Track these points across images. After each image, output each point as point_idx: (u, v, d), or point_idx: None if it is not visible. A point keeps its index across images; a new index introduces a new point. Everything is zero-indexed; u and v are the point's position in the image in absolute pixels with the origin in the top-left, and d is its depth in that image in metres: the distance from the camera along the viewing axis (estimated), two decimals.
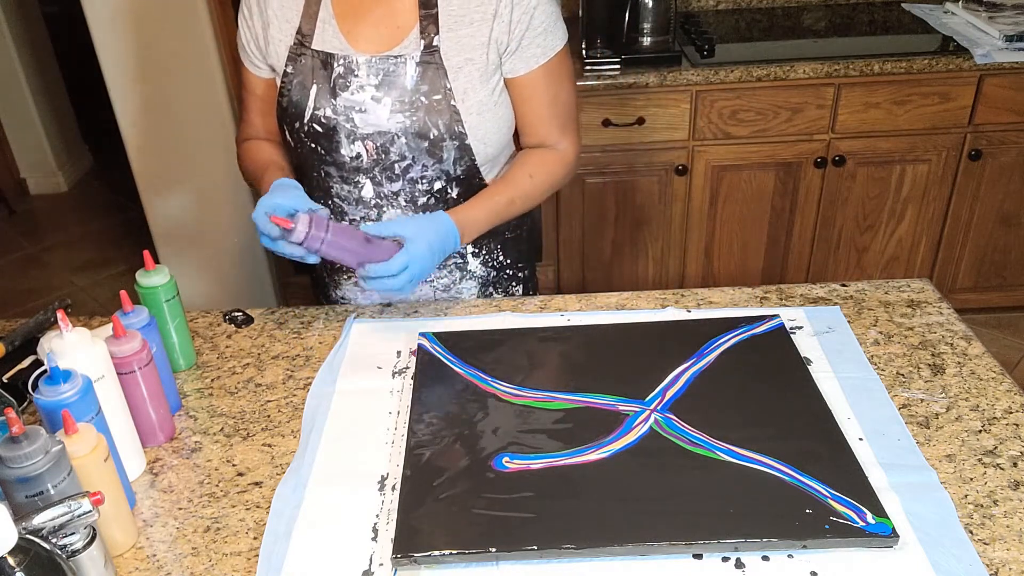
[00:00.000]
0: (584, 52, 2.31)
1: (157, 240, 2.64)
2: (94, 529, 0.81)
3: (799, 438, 0.98)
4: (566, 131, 1.29)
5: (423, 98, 1.18)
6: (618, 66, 2.27)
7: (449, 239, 1.17)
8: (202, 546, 0.91)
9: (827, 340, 1.16)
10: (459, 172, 1.24)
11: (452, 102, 1.18)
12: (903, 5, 2.64)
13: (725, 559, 0.86)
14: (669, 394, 1.05)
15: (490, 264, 1.36)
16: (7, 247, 3.58)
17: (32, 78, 3.70)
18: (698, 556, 0.86)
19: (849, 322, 1.19)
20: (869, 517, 0.87)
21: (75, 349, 0.93)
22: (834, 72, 2.22)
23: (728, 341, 1.14)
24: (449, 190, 1.25)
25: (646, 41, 2.39)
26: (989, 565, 0.83)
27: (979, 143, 2.35)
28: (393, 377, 1.14)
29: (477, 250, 1.34)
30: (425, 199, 1.25)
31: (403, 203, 1.25)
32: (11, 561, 0.65)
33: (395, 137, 1.20)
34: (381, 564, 0.87)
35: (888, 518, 0.87)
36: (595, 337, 1.18)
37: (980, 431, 1.00)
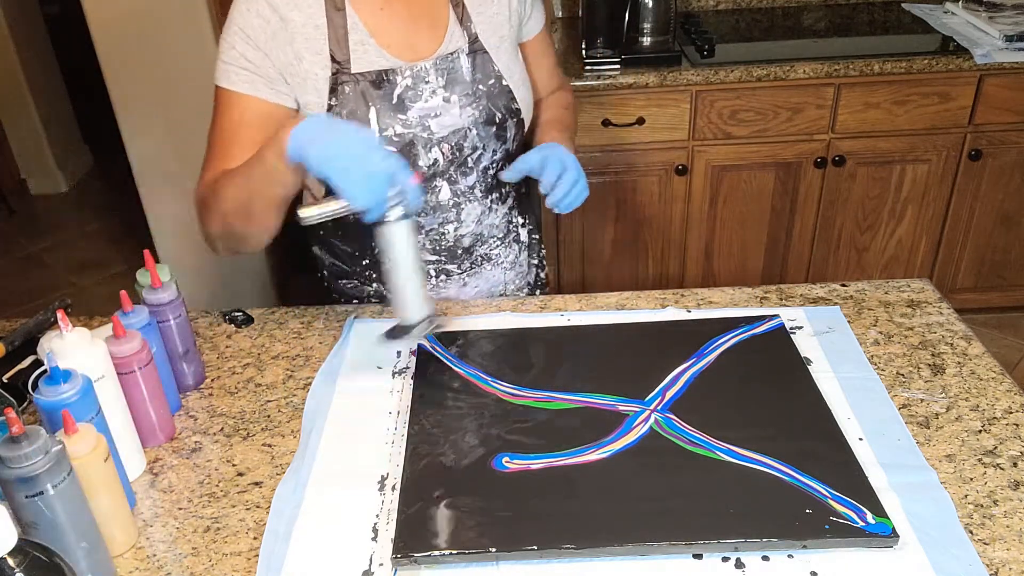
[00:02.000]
0: (584, 52, 2.31)
1: (157, 240, 2.64)
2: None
3: (799, 438, 0.98)
4: (563, 78, 1.47)
5: (481, 86, 1.23)
6: (618, 66, 2.27)
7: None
8: (202, 546, 0.91)
9: (827, 340, 1.16)
10: (514, 148, 1.30)
11: (504, 82, 1.24)
12: (903, 5, 2.64)
13: (725, 559, 0.86)
14: (669, 394, 1.05)
15: (529, 230, 1.43)
16: (7, 247, 3.58)
17: (32, 78, 3.70)
18: (698, 556, 0.86)
19: (849, 322, 1.19)
20: (869, 517, 0.87)
21: (75, 349, 0.93)
22: (834, 72, 2.22)
23: (728, 341, 1.14)
24: (506, 167, 1.29)
25: (646, 41, 2.39)
26: (989, 565, 0.83)
27: (979, 143, 2.35)
28: (393, 377, 1.14)
29: (525, 220, 1.41)
30: (492, 182, 1.30)
31: (479, 195, 1.28)
32: (11, 562, 0.65)
33: (468, 131, 1.23)
34: (381, 564, 0.87)
35: (888, 518, 0.87)
36: (595, 337, 1.18)
37: (980, 431, 1.00)
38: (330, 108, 1.16)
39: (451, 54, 1.21)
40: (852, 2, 2.69)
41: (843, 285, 1.28)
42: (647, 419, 1.01)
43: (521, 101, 1.27)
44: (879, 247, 2.51)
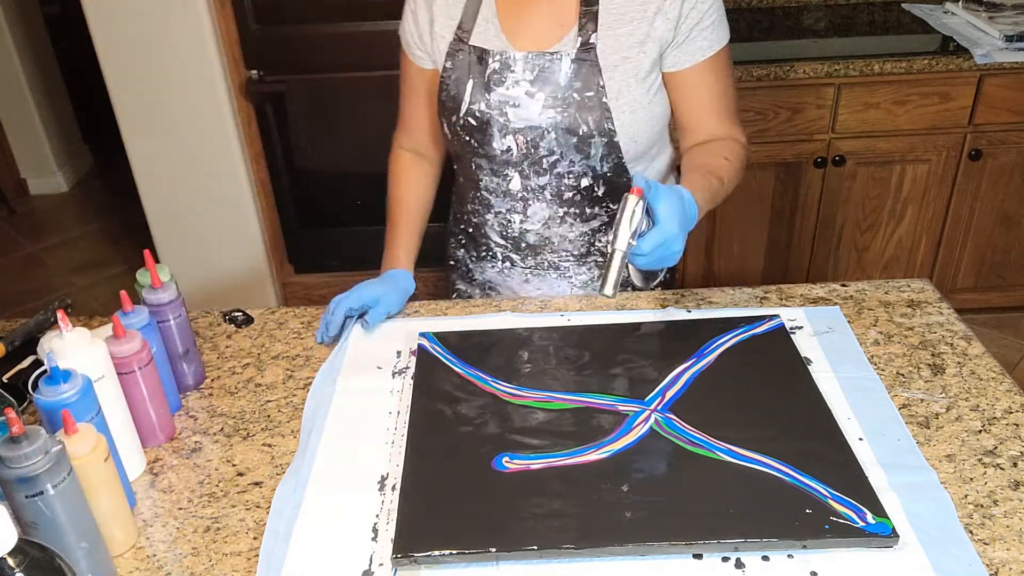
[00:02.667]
0: None
1: (157, 240, 2.64)
2: None
3: (799, 438, 0.98)
4: (735, 122, 1.29)
5: (575, 95, 1.20)
6: None
7: (691, 211, 1.11)
8: (202, 546, 0.91)
9: (827, 340, 1.16)
10: (606, 169, 1.25)
11: (604, 99, 1.19)
12: (903, 5, 2.64)
13: (725, 559, 0.86)
14: (669, 394, 1.05)
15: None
16: (7, 247, 3.58)
17: (32, 78, 3.70)
18: (698, 556, 0.86)
19: (849, 322, 1.19)
20: (869, 517, 0.87)
21: (75, 349, 0.93)
22: (834, 72, 2.22)
23: (728, 341, 1.14)
24: (596, 188, 1.27)
25: None
26: (989, 565, 0.83)
27: (979, 143, 2.35)
28: (393, 377, 1.14)
29: None
30: (571, 194, 1.27)
31: (549, 197, 1.27)
32: (11, 562, 0.65)
33: (545, 132, 1.22)
34: (381, 564, 0.87)
35: (888, 518, 0.87)
36: (595, 337, 1.18)
37: (980, 431, 1.00)
38: (445, 70, 1.24)
39: (552, 54, 1.20)
40: (852, 2, 2.69)
41: (843, 285, 1.28)
42: (647, 419, 1.01)
43: (621, 125, 1.21)
44: (879, 247, 2.51)
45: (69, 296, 1.37)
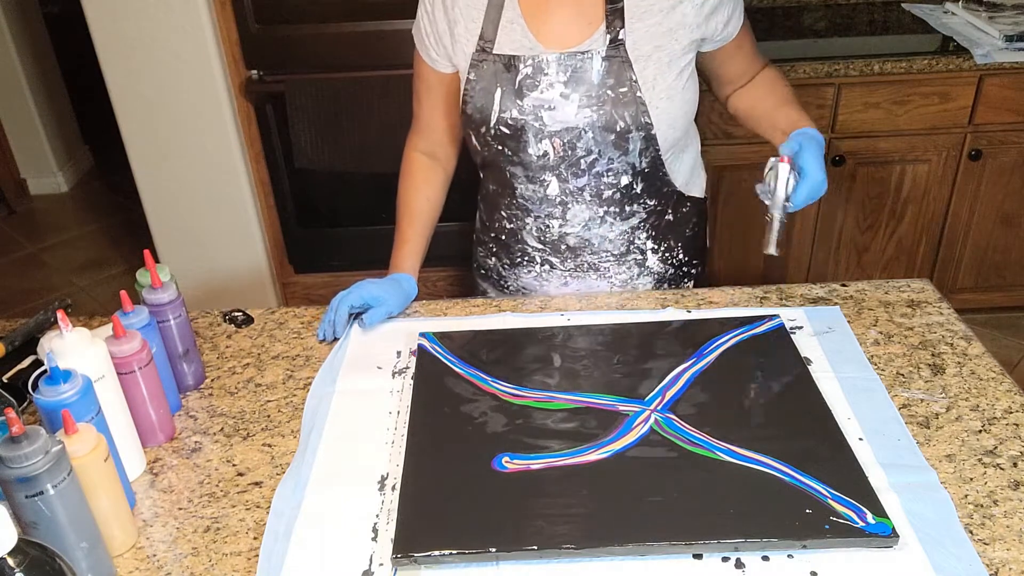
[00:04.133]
0: None
1: (157, 240, 2.64)
2: None
3: (799, 438, 0.98)
4: (760, 56, 1.39)
5: (609, 91, 1.19)
6: None
7: (821, 144, 1.20)
8: (202, 546, 0.91)
9: (827, 340, 1.16)
10: (644, 165, 1.25)
11: (638, 93, 1.19)
12: (903, 5, 2.64)
13: (725, 559, 0.86)
14: (669, 394, 1.05)
15: (668, 261, 1.38)
16: (7, 247, 3.58)
17: (32, 78, 3.70)
18: (698, 556, 0.86)
19: (849, 322, 1.19)
20: (869, 517, 0.87)
21: (75, 349, 0.93)
22: (834, 72, 2.22)
23: (728, 341, 1.14)
24: (634, 185, 1.27)
25: None
26: (989, 565, 0.83)
27: (979, 143, 2.35)
28: (393, 377, 1.14)
29: (657, 246, 1.35)
30: (610, 192, 1.27)
31: (588, 198, 1.27)
32: (11, 562, 0.65)
33: (582, 132, 1.21)
34: (381, 564, 0.87)
35: (888, 518, 0.87)
36: (595, 337, 1.18)
37: (980, 431, 1.00)
38: (469, 82, 1.24)
39: (583, 53, 1.19)
40: (852, 2, 2.69)
41: (843, 285, 1.28)
42: (647, 419, 1.01)
43: (658, 115, 1.21)
44: (879, 247, 2.51)
45: (69, 296, 1.37)
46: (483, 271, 1.46)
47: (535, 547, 0.86)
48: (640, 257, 1.35)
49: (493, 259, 1.42)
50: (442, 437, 1.01)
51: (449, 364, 1.13)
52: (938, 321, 1.19)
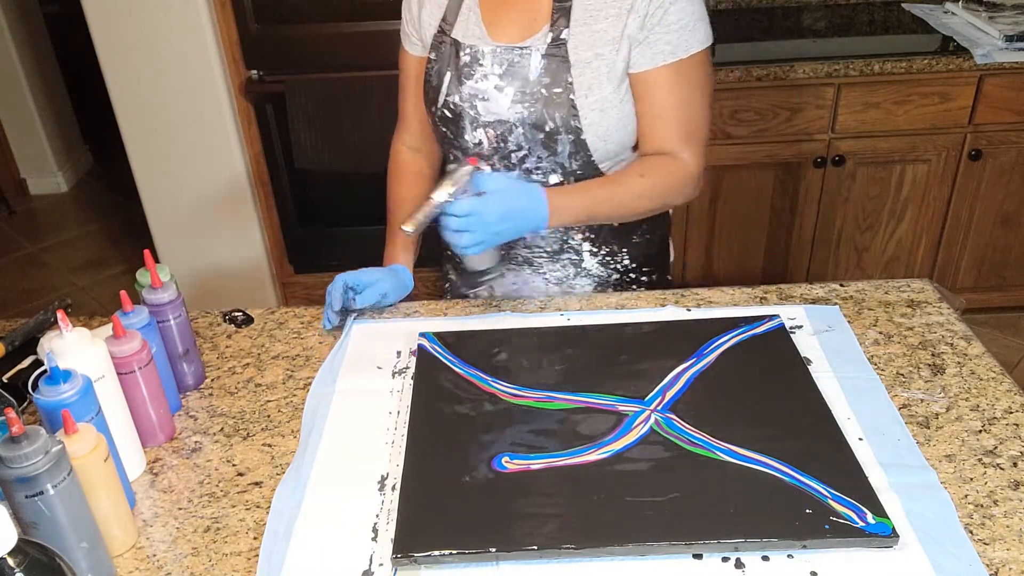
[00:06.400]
0: None
1: (157, 240, 2.64)
2: None
3: (799, 438, 0.98)
4: (689, 142, 1.22)
5: (544, 90, 1.19)
6: None
7: (532, 211, 1.14)
8: (202, 546, 0.91)
9: (827, 340, 1.16)
10: (575, 167, 1.24)
11: (571, 96, 1.18)
12: (903, 5, 2.64)
13: (725, 559, 0.86)
14: (669, 394, 1.05)
15: (610, 265, 1.35)
16: (7, 247, 3.58)
17: (32, 78, 3.70)
18: (698, 556, 0.86)
19: (849, 322, 1.19)
20: (869, 517, 0.87)
21: (75, 349, 0.93)
22: (834, 72, 2.22)
23: (728, 341, 1.14)
24: (566, 183, 1.26)
25: None
26: (989, 565, 0.83)
27: (979, 143, 2.35)
28: (393, 377, 1.14)
29: (596, 249, 1.33)
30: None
31: None
32: (11, 562, 0.65)
33: (513, 127, 1.22)
34: (381, 564, 0.87)
35: (888, 518, 0.87)
36: (595, 337, 1.18)
37: (980, 431, 1.00)
38: (430, 61, 1.27)
39: (522, 48, 1.20)
40: (852, 2, 2.69)
41: (843, 285, 1.28)
42: (647, 419, 1.01)
43: (589, 124, 1.19)
44: (879, 247, 2.51)
45: (69, 296, 1.37)
46: (448, 252, 1.46)
47: (535, 547, 0.86)
48: (576, 257, 1.34)
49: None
50: (442, 437, 1.01)
51: (449, 364, 1.13)
52: (938, 321, 1.19)
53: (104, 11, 2.28)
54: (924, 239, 2.50)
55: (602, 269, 1.35)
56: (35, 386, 0.89)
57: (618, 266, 1.36)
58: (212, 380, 1.16)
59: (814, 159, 2.35)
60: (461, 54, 1.23)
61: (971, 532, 0.87)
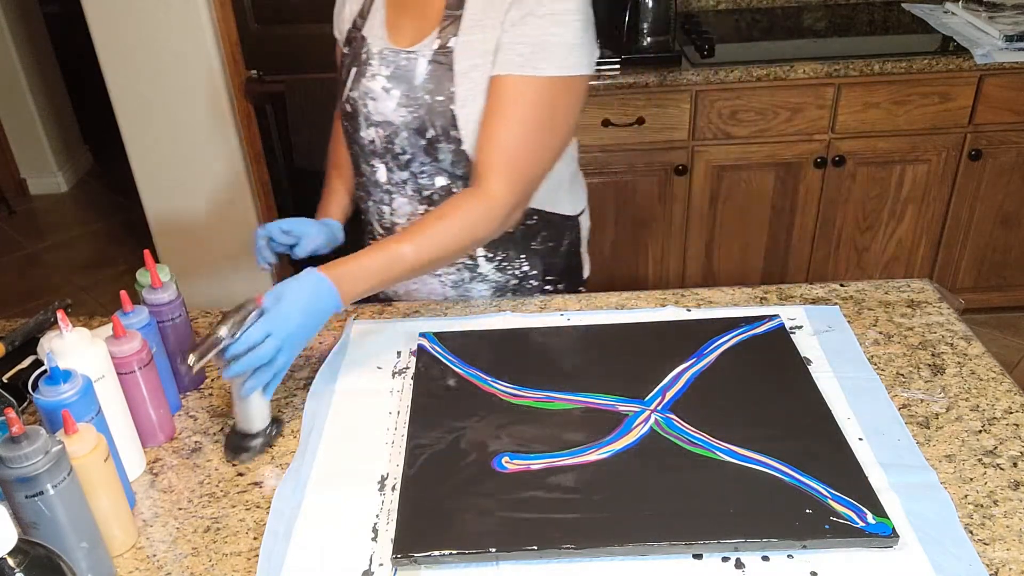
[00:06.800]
0: None
1: (157, 240, 2.64)
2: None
3: (799, 438, 0.98)
4: (506, 171, 1.13)
5: (427, 96, 1.18)
6: (618, 66, 2.27)
7: (322, 297, 1.03)
8: (202, 546, 0.91)
9: (827, 340, 1.16)
10: (461, 173, 1.22)
11: (452, 106, 1.16)
12: (903, 5, 2.64)
13: (725, 559, 0.86)
14: (669, 394, 1.05)
15: (509, 271, 1.33)
16: (7, 247, 3.58)
17: (32, 78, 3.70)
18: (698, 556, 0.86)
19: (849, 322, 1.19)
20: (869, 517, 0.87)
21: (75, 349, 0.93)
22: (834, 72, 2.22)
23: (728, 341, 1.14)
24: (454, 187, 1.24)
25: (646, 41, 2.39)
26: (989, 565, 0.83)
27: (979, 143, 2.35)
28: (393, 377, 1.14)
29: (491, 255, 1.31)
30: (429, 193, 1.25)
31: (410, 192, 1.26)
32: (11, 562, 0.65)
33: (399, 130, 1.21)
34: (381, 564, 0.87)
35: (888, 518, 0.87)
36: (595, 337, 1.18)
37: (980, 431, 1.00)
38: (343, 56, 1.28)
39: (410, 52, 1.19)
40: (852, 2, 2.69)
41: (843, 285, 1.28)
42: (647, 419, 1.01)
43: (468, 135, 1.16)
44: (879, 247, 2.51)
45: (69, 296, 1.37)
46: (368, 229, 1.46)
47: (535, 547, 0.86)
48: (471, 262, 1.30)
49: (369, 239, 1.39)
50: (442, 437, 1.01)
51: (449, 364, 1.13)
52: (938, 321, 1.19)
53: (104, 11, 2.28)
54: (924, 239, 2.49)
55: (499, 274, 1.32)
56: (35, 386, 0.89)
57: (516, 272, 1.32)
58: (212, 380, 1.16)
59: (814, 159, 2.35)
60: (362, 52, 1.24)
61: (971, 532, 0.87)
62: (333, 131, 1.42)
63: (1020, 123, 2.33)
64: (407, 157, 1.23)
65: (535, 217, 1.30)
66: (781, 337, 1.15)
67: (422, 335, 1.18)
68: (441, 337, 1.18)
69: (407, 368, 1.15)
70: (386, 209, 1.30)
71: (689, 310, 1.24)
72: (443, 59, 1.16)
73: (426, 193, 1.25)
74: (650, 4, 2.35)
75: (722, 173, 2.39)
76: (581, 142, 2.34)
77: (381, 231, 1.34)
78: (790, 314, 1.21)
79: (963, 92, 2.28)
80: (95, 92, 2.72)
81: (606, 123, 2.29)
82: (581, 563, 0.86)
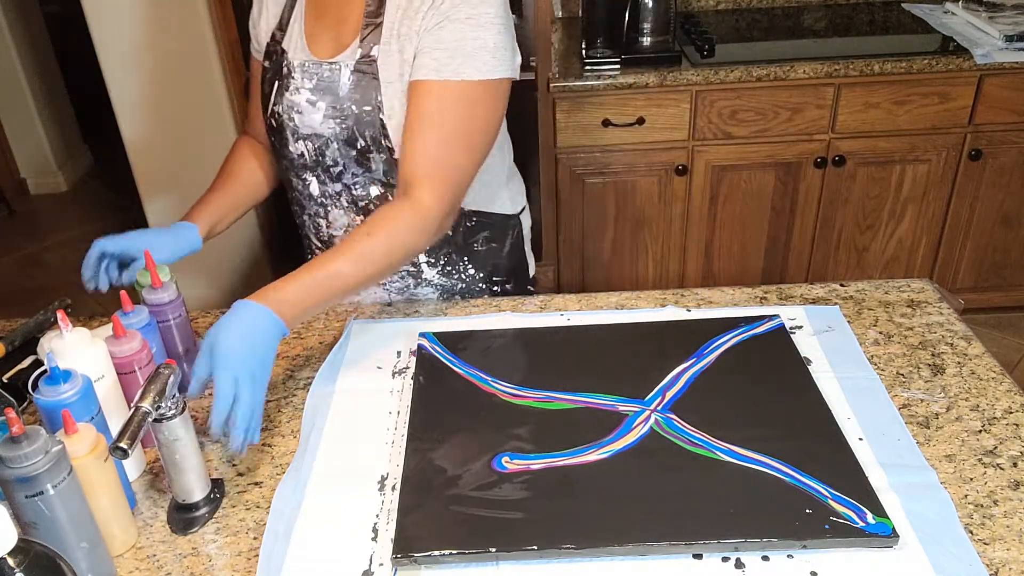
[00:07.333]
0: (584, 52, 2.30)
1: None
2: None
3: (799, 438, 0.98)
4: (432, 179, 1.10)
5: (354, 107, 1.15)
6: (618, 66, 2.27)
7: (259, 324, 0.97)
8: (202, 546, 0.91)
9: (827, 340, 1.16)
10: (394, 181, 1.19)
11: (380, 115, 1.14)
12: (903, 5, 2.64)
13: (725, 559, 0.86)
14: (669, 394, 1.05)
15: (454, 276, 1.32)
16: (7, 247, 3.58)
17: (32, 78, 3.70)
18: (698, 556, 0.86)
19: (849, 322, 1.19)
20: (869, 517, 0.87)
21: (75, 349, 0.93)
22: (834, 72, 2.22)
23: (728, 341, 1.14)
24: (389, 195, 1.22)
25: (646, 41, 2.39)
26: (989, 565, 0.83)
27: (979, 143, 2.35)
28: (393, 377, 1.14)
29: (433, 260, 1.30)
30: (364, 203, 1.24)
31: (345, 203, 1.25)
32: (11, 561, 0.65)
33: (328, 141, 1.19)
34: (381, 564, 0.87)
35: (888, 518, 0.87)
36: (595, 337, 1.18)
37: (980, 431, 1.00)
38: (264, 69, 1.25)
39: (332, 63, 1.16)
40: (852, 2, 2.69)
41: (843, 285, 1.28)
42: (647, 419, 1.01)
43: (398, 143, 1.14)
44: (879, 247, 2.51)
45: (69, 296, 1.37)
46: (305, 241, 1.42)
47: (535, 547, 0.86)
48: (413, 269, 1.30)
49: (309, 254, 1.37)
50: (442, 437, 1.01)
51: (449, 364, 1.13)
52: (938, 321, 1.19)
53: (104, 11, 2.28)
54: (924, 239, 2.50)
55: (444, 279, 1.32)
56: (35, 386, 0.89)
57: (463, 275, 1.32)
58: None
59: (814, 159, 2.35)
60: (283, 65, 1.21)
61: (971, 532, 0.87)
62: (234, 146, 1.36)
63: (1020, 123, 2.33)
64: (338, 169, 1.21)
65: (474, 219, 1.29)
66: (781, 337, 1.15)
67: (422, 335, 1.18)
68: (441, 337, 1.18)
69: (407, 368, 1.15)
70: (322, 222, 1.29)
71: (689, 310, 1.24)
72: (366, 68, 1.14)
73: (361, 203, 1.24)
74: (650, 4, 2.35)
75: (722, 173, 2.39)
76: (582, 142, 2.36)
77: (319, 244, 1.32)
78: (790, 314, 1.21)
79: (963, 92, 2.28)
80: (95, 92, 2.72)
81: (606, 123, 2.30)
82: (581, 563, 0.86)
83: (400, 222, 1.09)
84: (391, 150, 1.16)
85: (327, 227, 1.29)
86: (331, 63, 1.17)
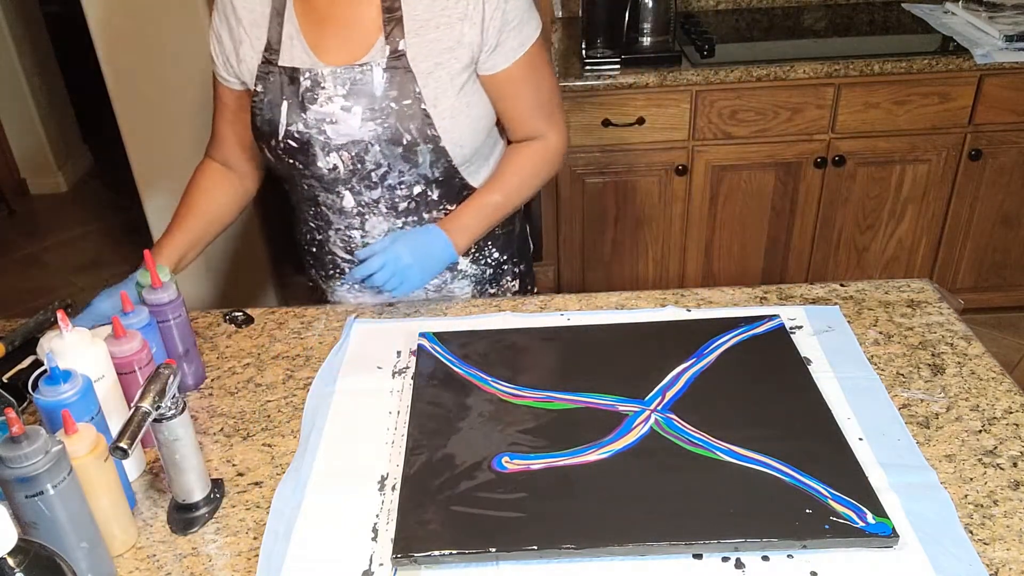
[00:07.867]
0: (584, 52, 2.30)
1: (157, 240, 2.63)
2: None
3: (799, 438, 0.98)
4: (552, 121, 1.30)
5: (393, 104, 1.16)
6: (618, 66, 2.27)
7: (436, 246, 1.22)
8: (202, 546, 0.91)
9: (827, 340, 1.16)
10: (437, 175, 1.23)
11: (423, 106, 1.16)
12: (903, 5, 2.64)
13: (725, 559, 0.86)
14: (669, 394, 1.05)
15: (482, 262, 1.36)
16: (7, 247, 3.58)
17: (32, 78, 3.70)
18: (698, 556, 0.86)
19: (849, 322, 1.19)
20: (869, 517, 0.87)
21: (75, 349, 0.93)
22: (834, 72, 2.22)
23: (728, 341, 1.14)
24: (429, 192, 1.24)
25: (646, 41, 2.39)
26: (989, 565, 0.83)
27: (979, 143, 2.35)
28: (393, 377, 1.14)
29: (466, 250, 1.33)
30: (406, 204, 1.25)
31: (384, 210, 1.25)
32: (11, 561, 0.65)
33: (369, 145, 1.18)
34: (381, 564, 0.87)
35: (888, 518, 0.87)
36: (595, 337, 1.18)
37: (980, 431, 1.00)
38: (256, 94, 1.21)
39: (362, 65, 1.16)
40: (852, 2, 2.69)
41: (843, 285, 1.28)
42: (647, 419, 1.01)
43: (444, 131, 1.18)
44: (879, 247, 2.51)
45: (69, 296, 1.37)
46: (311, 284, 1.44)
47: (535, 547, 0.86)
48: (451, 264, 1.31)
49: (313, 271, 1.40)
50: (442, 437, 1.01)
51: (449, 364, 1.13)
52: (938, 321, 1.19)
53: (104, 11, 2.28)
54: (924, 239, 2.50)
55: (475, 267, 1.36)
56: (35, 386, 0.89)
57: (489, 260, 1.37)
58: (212, 380, 1.16)
59: (814, 159, 2.35)
60: (301, 80, 1.17)
61: (971, 532, 0.87)
62: (192, 177, 1.35)
63: (1020, 123, 2.33)
64: (382, 171, 1.20)
65: None
66: (781, 337, 1.15)
67: (422, 335, 1.18)
68: (441, 337, 1.18)
69: (407, 368, 1.15)
70: (356, 233, 1.28)
71: (689, 310, 1.24)
72: (397, 63, 1.15)
73: (401, 207, 1.25)
74: (650, 4, 2.35)
75: (722, 173, 2.39)
76: (582, 143, 2.36)
77: (348, 257, 1.31)
78: (790, 314, 1.21)
79: (963, 92, 2.28)
80: (95, 92, 2.72)
81: (606, 123, 2.30)
82: (581, 563, 0.86)
83: (541, 160, 1.31)
84: (437, 138, 1.19)
85: (362, 237, 1.28)
86: (361, 65, 1.16)
